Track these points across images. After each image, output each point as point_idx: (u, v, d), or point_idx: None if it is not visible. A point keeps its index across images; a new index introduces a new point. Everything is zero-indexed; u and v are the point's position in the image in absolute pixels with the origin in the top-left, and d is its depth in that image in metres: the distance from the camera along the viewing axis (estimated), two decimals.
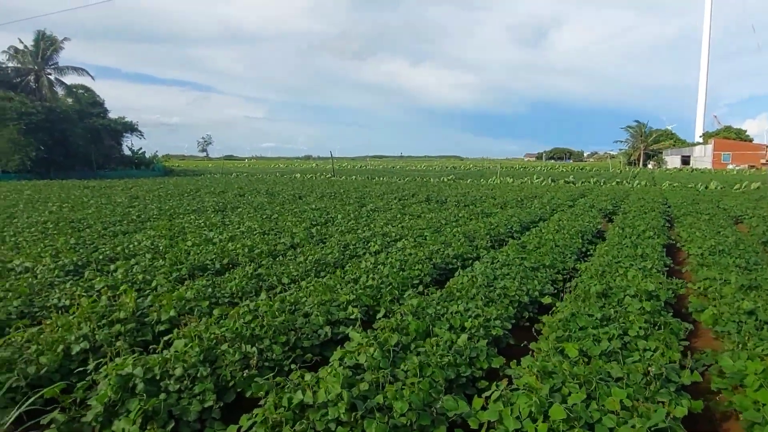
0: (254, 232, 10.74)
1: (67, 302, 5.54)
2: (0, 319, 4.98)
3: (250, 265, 7.19)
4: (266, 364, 4.13)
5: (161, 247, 8.69)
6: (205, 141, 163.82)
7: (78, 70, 44.78)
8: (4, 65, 42.07)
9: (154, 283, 6.23)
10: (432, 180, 39.56)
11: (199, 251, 8.31)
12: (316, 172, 54.89)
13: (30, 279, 6.31)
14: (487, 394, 3.38)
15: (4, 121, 35.30)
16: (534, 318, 5.98)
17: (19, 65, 42.91)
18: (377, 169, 69.28)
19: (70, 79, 45.28)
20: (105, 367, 3.76)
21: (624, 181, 37.56)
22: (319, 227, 11.59)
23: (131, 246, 8.83)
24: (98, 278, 6.38)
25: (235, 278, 6.47)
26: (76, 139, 40.07)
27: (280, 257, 8.24)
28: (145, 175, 45.07)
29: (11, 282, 6.25)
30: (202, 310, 5.30)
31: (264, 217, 13.63)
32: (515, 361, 4.19)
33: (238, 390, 3.81)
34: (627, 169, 64.22)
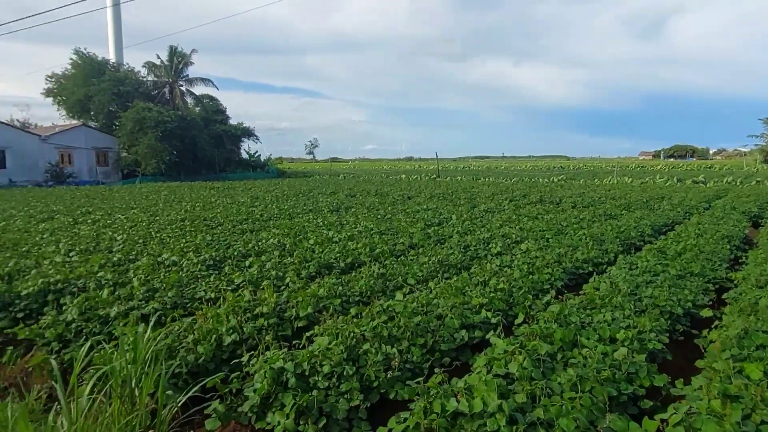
0: (371, 232, 10.87)
1: (213, 295, 5.90)
2: (158, 308, 5.40)
3: (374, 265, 7.22)
4: (406, 366, 4.05)
5: (287, 246, 9.06)
6: (312, 144, 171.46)
7: (205, 81, 48.97)
8: (144, 79, 47.09)
9: (287, 280, 6.46)
10: (541, 180, 37.95)
11: (322, 250, 8.55)
12: (420, 173, 55.11)
13: (179, 272, 6.84)
14: (662, 416, 3.00)
15: (144, 130, 39.48)
16: (688, 332, 5.36)
17: (156, 78, 47.83)
18: (481, 170, 67.95)
19: (198, 90, 49.64)
20: (255, 359, 3.90)
21: (765, 181, 33.34)
22: (435, 227, 11.48)
23: (260, 244, 9.30)
24: (236, 274, 6.75)
25: (362, 277, 6.52)
26: (202, 144, 43.74)
27: (402, 257, 8.22)
28: (260, 176, 48.05)
29: (163, 274, 6.82)
30: (335, 308, 5.37)
31: (378, 217, 13.80)
32: (681, 379, 3.74)
33: (381, 391, 3.76)
34: (765, 167, 56.89)
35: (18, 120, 59.65)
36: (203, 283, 6.35)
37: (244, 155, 54.02)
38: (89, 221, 13.20)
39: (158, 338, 4.10)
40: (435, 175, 48.31)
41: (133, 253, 8.44)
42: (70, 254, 8.45)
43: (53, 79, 45.10)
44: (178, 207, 17.33)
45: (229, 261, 7.96)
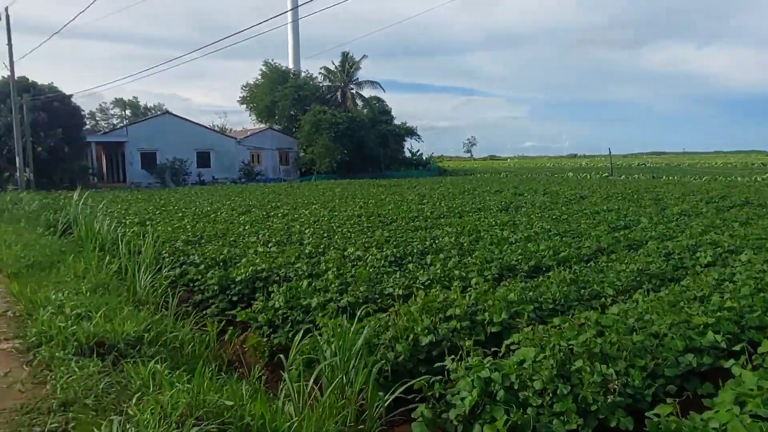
0: (549, 233, 10.22)
1: (400, 292, 5.98)
2: (351, 302, 5.61)
3: (563, 270, 6.70)
4: (626, 390, 3.57)
5: (465, 245, 8.91)
6: (470, 142, 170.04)
7: (373, 83, 51.55)
8: (320, 84, 51.19)
9: (473, 281, 6.28)
10: (739, 179, 32.57)
11: (500, 251, 8.22)
12: (588, 171, 51.26)
13: (365, 267, 7.09)
14: None
15: (320, 131, 42.82)
16: None
17: (329, 83, 51.68)
18: (660, 167, 60.89)
19: (366, 92, 52.44)
20: (457, 364, 3.77)
21: None
22: (623, 231, 10.39)
23: (436, 242, 9.30)
24: (420, 272, 6.78)
25: (551, 283, 6.07)
26: (369, 143, 46.05)
27: (591, 263, 7.53)
28: (422, 174, 49.01)
29: (349, 267, 7.14)
30: (529, 315, 5.04)
31: (553, 217, 12.99)
32: None
33: (600, 417, 3.36)
34: None
35: (217, 126, 69.15)
36: (391, 279, 6.48)
37: (407, 154, 55.61)
38: (279, 215, 14.59)
39: (359, 332, 4.21)
40: (607, 173, 44.47)
41: (321, 246, 9.02)
42: (269, 245, 9.35)
43: (246, 88, 51.30)
44: (351, 203, 18.35)
45: (409, 258, 8.08)
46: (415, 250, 8.48)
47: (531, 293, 5.65)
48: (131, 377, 3.40)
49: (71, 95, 35.35)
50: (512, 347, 4.21)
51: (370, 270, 6.81)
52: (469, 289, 6.09)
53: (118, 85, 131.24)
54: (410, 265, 7.31)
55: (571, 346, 3.95)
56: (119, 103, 78.84)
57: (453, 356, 3.95)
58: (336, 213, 14.88)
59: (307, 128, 43.71)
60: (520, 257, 7.72)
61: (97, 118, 78.60)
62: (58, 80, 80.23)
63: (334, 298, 5.73)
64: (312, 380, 3.90)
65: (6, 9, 27.67)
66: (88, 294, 5.67)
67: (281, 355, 4.38)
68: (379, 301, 5.87)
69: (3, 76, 32.32)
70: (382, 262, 7.59)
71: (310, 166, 45.18)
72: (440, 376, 3.76)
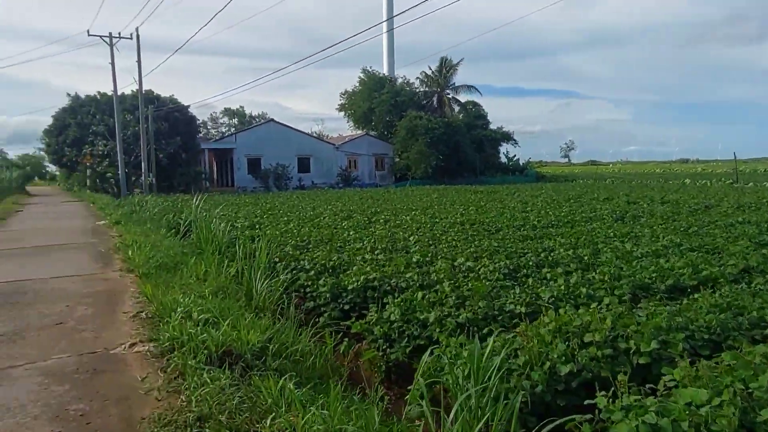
0: (681, 248, 9.16)
1: (523, 309, 5.52)
2: (470, 318, 5.26)
3: (709, 293, 5.87)
4: None
5: (585, 258, 8.20)
6: (568, 146, 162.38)
7: (469, 88, 50.78)
8: (417, 90, 51.37)
9: (605, 301, 5.67)
10: None
11: (629, 266, 7.44)
12: (708, 177, 46.64)
13: (479, 279, 6.70)
14: None
15: (416, 136, 42.88)
16: None
17: (426, 89, 51.67)
18: None
19: (462, 97, 51.79)
20: (610, 403, 3.29)
21: None
22: None
23: (552, 254, 8.67)
24: (541, 288, 6.26)
25: (700, 307, 5.30)
26: (465, 148, 45.36)
27: (743, 284, 6.57)
28: (519, 180, 47.35)
29: (461, 279, 6.78)
30: (683, 345, 4.38)
31: (680, 229, 11.72)
32: None
33: None
34: None
35: (315, 132, 71.80)
36: (510, 294, 6.04)
37: (503, 159, 54.11)
38: (381, 221, 14.56)
39: (486, 353, 3.85)
40: (731, 180, 40.17)
41: (428, 255, 8.75)
42: (375, 252, 9.23)
43: (345, 96, 52.72)
44: (451, 209, 17.94)
45: (524, 270, 7.56)
46: (530, 263, 7.93)
47: (679, 319, 4.95)
48: (261, 392, 3.32)
49: (188, 106, 38.34)
50: (669, 383, 3.64)
51: (486, 283, 6.40)
52: (601, 309, 5.49)
53: (227, 96, 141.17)
54: (529, 280, 6.80)
55: (750, 390, 3.31)
56: (228, 112, 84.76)
57: (604, 392, 3.46)
58: (437, 220, 14.57)
59: (403, 134, 43.95)
60: (653, 275, 6.91)
61: (209, 127, 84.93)
62: (177, 92, 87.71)
63: (452, 313, 5.41)
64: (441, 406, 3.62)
65: (136, 29, 30.59)
66: (210, 297, 5.83)
67: (396, 373, 4.16)
68: (499, 318, 5.45)
69: (132, 90, 35.83)
70: (496, 274, 7.15)
71: (405, 171, 45.36)
72: (589, 415, 3.30)
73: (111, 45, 30.49)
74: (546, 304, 5.57)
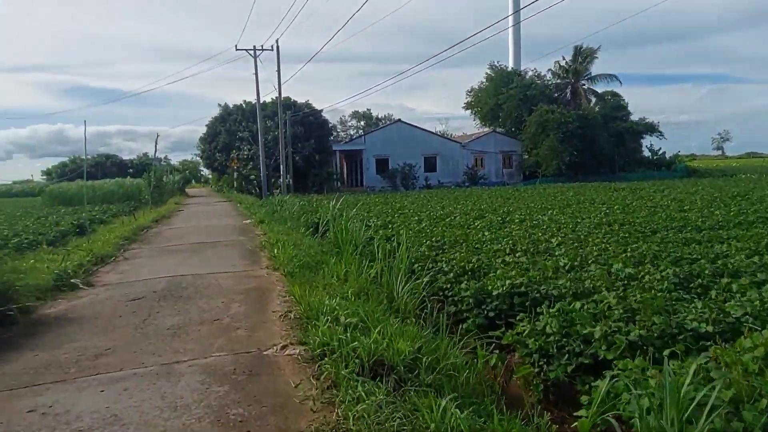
0: None
1: (710, 328, 4.65)
2: (642, 335, 4.54)
3: None
4: None
5: None
6: (722, 137, 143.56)
7: (609, 77, 46.94)
8: (549, 82, 48.75)
9: None
10: None
11: None
12: None
13: (646, 290, 5.86)
14: None
15: (546, 132, 40.68)
16: None
17: (558, 81, 48.81)
18: None
19: (599, 87, 48.05)
20: None
21: None
22: None
23: (730, 261, 7.40)
24: (730, 303, 5.27)
25: None
26: (601, 142, 42.02)
27: None
28: (666, 176, 42.64)
29: (626, 291, 5.99)
30: None
31: None
32: None
33: None
34: None
35: (439, 132, 71.61)
36: (690, 309, 5.16)
37: (646, 153, 49.24)
38: (516, 220, 13.81)
39: (686, 383, 3.20)
40: None
41: (577, 258, 7.96)
42: (516, 254, 8.65)
43: (471, 93, 51.79)
44: (591, 208, 16.53)
45: (699, 280, 6.50)
46: (705, 271, 6.81)
47: None
48: (418, 411, 3.06)
49: (321, 110, 40.38)
50: None
51: (658, 295, 5.55)
52: None
53: (355, 99, 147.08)
54: (712, 292, 5.80)
55: None
56: (356, 115, 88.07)
57: None
58: (579, 220, 13.43)
59: (533, 129, 41.97)
60: None
61: (338, 130, 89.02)
62: (311, 98, 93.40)
63: (621, 329, 4.72)
64: None
65: (276, 41, 32.84)
66: (353, 299, 5.76)
67: (554, 393, 3.64)
68: (680, 338, 4.64)
69: (272, 98, 38.60)
70: (665, 283, 6.21)
71: (534, 168, 43.27)
72: None
73: (255, 57, 33.10)
74: (745, 323, 4.64)
